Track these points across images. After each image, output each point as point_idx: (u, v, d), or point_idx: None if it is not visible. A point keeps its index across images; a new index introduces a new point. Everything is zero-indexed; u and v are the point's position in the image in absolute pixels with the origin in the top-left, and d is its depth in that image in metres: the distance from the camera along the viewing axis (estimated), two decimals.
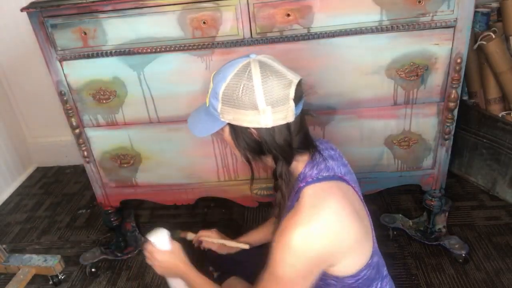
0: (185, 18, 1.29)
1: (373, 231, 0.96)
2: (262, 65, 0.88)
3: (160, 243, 1.10)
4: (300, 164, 0.95)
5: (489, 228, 1.74)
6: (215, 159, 1.53)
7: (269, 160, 0.95)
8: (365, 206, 0.97)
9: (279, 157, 0.91)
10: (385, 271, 1.03)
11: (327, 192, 0.87)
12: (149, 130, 1.49)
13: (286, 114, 0.87)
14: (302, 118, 0.93)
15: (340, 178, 0.91)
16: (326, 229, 0.84)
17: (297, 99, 0.88)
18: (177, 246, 1.12)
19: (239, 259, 1.32)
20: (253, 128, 0.89)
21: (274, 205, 1.00)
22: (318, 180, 0.89)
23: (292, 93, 0.87)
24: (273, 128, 0.88)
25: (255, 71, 0.87)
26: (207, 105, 0.95)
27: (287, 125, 0.89)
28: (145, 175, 1.59)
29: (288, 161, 0.92)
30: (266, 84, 0.86)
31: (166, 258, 1.11)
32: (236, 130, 0.92)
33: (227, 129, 0.94)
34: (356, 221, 0.87)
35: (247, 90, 0.86)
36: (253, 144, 0.92)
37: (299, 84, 0.90)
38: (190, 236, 1.37)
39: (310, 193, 0.87)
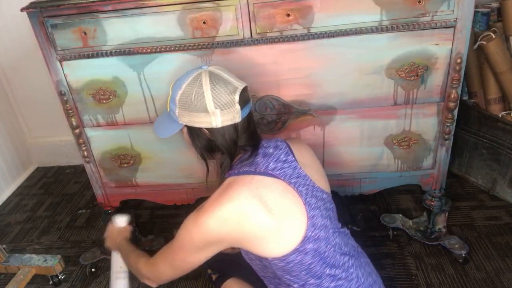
0: (185, 18, 1.29)
1: (313, 220, 1.01)
2: (211, 75, 1.03)
3: (118, 223, 1.40)
4: (236, 158, 1.09)
5: (489, 228, 1.74)
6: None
7: (219, 156, 1.11)
8: (304, 196, 1.02)
9: (225, 153, 1.07)
10: (344, 260, 1.05)
11: (237, 183, 1.00)
12: (149, 130, 1.48)
13: (233, 116, 1.03)
14: (249, 119, 1.09)
15: (262, 173, 1.02)
16: (223, 215, 0.96)
17: (243, 103, 1.04)
18: (128, 228, 1.39)
19: (238, 261, 1.32)
20: (205, 129, 1.05)
21: None
22: (238, 173, 1.03)
23: (237, 97, 1.02)
24: (222, 128, 1.04)
25: (205, 80, 1.02)
26: (168, 110, 1.11)
27: (235, 126, 1.05)
28: (145, 175, 1.59)
29: (231, 156, 1.07)
30: (214, 90, 1.01)
31: (114, 231, 1.38)
32: (192, 131, 1.08)
33: (185, 130, 1.10)
34: (262, 213, 0.97)
35: (198, 96, 1.02)
36: (206, 143, 1.08)
37: (244, 90, 1.05)
38: None
39: (226, 183, 1.03)
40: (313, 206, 1.03)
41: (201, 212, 0.99)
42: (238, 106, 1.02)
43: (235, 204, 0.97)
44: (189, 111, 1.03)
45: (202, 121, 1.03)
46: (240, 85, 1.05)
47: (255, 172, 1.02)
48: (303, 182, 1.05)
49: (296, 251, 0.99)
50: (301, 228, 1.00)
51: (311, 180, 1.07)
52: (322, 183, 1.11)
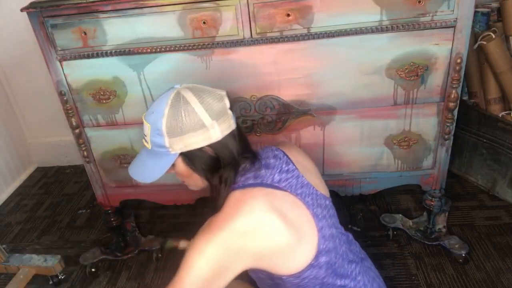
0: (185, 18, 1.29)
1: (322, 231, 0.96)
2: (192, 89, 0.96)
3: None
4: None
5: (489, 228, 1.74)
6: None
7: (220, 172, 0.99)
8: (311, 208, 0.97)
9: (230, 165, 0.97)
10: (352, 268, 1.02)
11: (248, 196, 0.92)
12: None
13: (229, 123, 0.96)
14: (238, 125, 1.01)
15: (269, 185, 0.94)
16: (240, 230, 0.87)
17: (232, 107, 0.98)
18: None
19: None
20: (207, 146, 0.95)
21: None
22: (243, 186, 0.94)
23: (227, 103, 0.97)
24: (223, 139, 0.96)
25: (189, 95, 0.94)
26: (150, 147, 0.99)
27: (232, 134, 0.97)
28: None
29: (237, 168, 0.98)
30: (203, 102, 0.93)
31: None
32: (190, 156, 0.97)
33: (179, 161, 0.98)
34: (282, 226, 0.89)
35: (189, 113, 0.92)
36: (210, 162, 0.98)
37: (227, 96, 0.99)
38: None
39: (232, 197, 0.93)
40: (320, 216, 0.97)
41: (212, 229, 0.88)
42: (230, 112, 0.97)
43: (251, 218, 0.88)
44: (183, 134, 0.93)
45: (201, 140, 0.94)
46: (223, 92, 0.99)
47: (261, 185, 0.94)
48: (307, 192, 0.99)
49: (311, 266, 0.94)
50: (313, 242, 0.94)
51: (313, 188, 1.01)
52: (322, 188, 1.06)
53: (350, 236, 1.13)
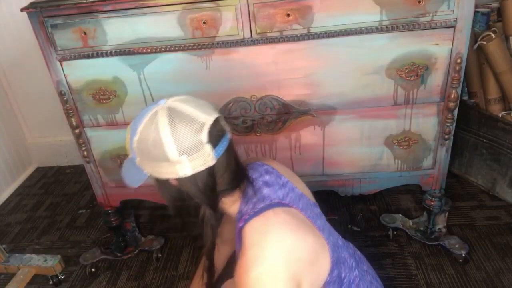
0: (185, 18, 1.29)
1: (329, 243, 0.93)
2: (171, 113, 0.84)
3: None
4: (234, 204, 0.93)
5: (489, 228, 1.74)
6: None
7: (193, 205, 0.93)
8: (314, 221, 0.92)
9: (202, 203, 0.89)
10: (354, 276, 0.99)
11: (267, 224, 0.84)
12: None
13: (204, 159, 0.84)
14: (229, 154, 0.89)
15: (278, 204, 0.88)
16: (275, 264, 0.80)
17: (215, 139, 0.85)
18: None
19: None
20: (173, 179, 0.87)
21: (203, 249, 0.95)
22: (255, 214, 0.86)
23: (205, 137, 0.83)
24: (193, 175, 0.85)
25: (162, 121, 0.83)
26: (130, 156, 0.93)
27: (209, 170, 0.85)
28: None
29: (212, 206, 0.90)
30: (175, 133, 0.82)
31: None
32: (158, 181, 0.90)
33: (153, 179, 0.92)
34: (308, 238, 0.85)
35: (156, 143, 0.83)
36: (176, 194, 0.91)
37: (215, 124, 0.86)
38: None
39: (250, 231, 0.85)
40: (321, 227, 0.93)
41: (246, 280, 0.80)
42: (208, 147, 0.83)
43: (286, 244, 0.82)
44: (150, 160, 0.85)
45: (166, 172, 0.85)
46: (209, 119, 0.85)
47: (270, 206, 0.87)
48: (305, 204, 0.94)
49: (327, 284, 0.90)
50: (327, 256, 0.90)
51: (307, 197, 0.96)
52: (309, 194, 1.01)
53: (341, 239, 1.10)
